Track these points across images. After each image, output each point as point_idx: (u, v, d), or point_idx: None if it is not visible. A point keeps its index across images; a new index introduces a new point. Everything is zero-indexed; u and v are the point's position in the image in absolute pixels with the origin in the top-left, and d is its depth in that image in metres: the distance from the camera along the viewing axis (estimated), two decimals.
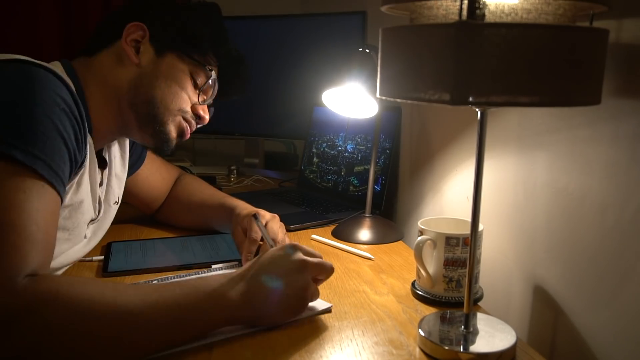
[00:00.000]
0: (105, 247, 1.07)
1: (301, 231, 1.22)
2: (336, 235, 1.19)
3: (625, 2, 0.68)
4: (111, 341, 0.64)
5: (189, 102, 0.99)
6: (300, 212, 1.34)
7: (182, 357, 0.69)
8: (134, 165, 1.16)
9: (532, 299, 0.88)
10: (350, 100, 1.24)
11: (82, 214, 0.91)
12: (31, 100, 0.73)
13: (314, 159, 1.60)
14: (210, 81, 1.00)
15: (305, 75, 1.70)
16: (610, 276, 0.72)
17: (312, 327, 0.78)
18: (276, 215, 1.06)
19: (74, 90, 0.82)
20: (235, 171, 1.82)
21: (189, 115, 0.99)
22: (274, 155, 2.01)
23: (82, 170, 0.85)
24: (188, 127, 1.00)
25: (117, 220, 1.17)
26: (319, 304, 0.84)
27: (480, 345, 0.71)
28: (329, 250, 1.11)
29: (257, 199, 1.46)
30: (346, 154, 1.49)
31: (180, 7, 1.00)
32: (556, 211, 0.82)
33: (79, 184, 0.87)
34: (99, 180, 0.96)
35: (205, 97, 1.01)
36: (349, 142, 1.49)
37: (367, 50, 1.16)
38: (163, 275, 0.95)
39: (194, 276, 0.95)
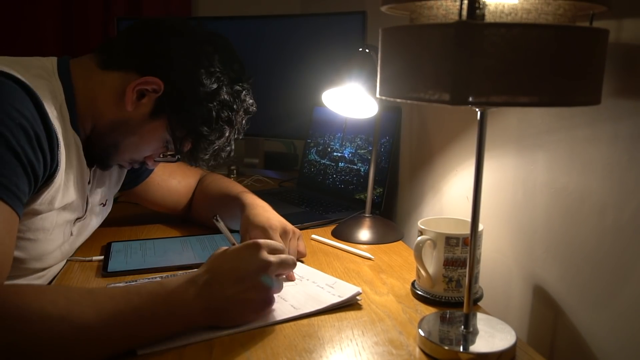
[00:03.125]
0: (105, 247, 1.07)
1: (301, 231, 1.22)
2: (336, 235, 1.19)
3: (625, 2, 0.68)
4: (62, 353, 0.63)
5: (145, 155, 0.97)
6: (300, 212, 1.34)
7: (182, 357, 0.69)
8: (144, 173, 1.16)
9: (531, 299, 0.88)
10: (350, 100, 1.24)
11: (71, 212, 0.91)
12: None
13: (314, 160, 1.60)
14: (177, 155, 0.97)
15: (305, 75, 1.70)
16: (610, 276, 0.72)
17: (312, 327, 0.78)
18: (296, 230, 1.03)
19: (47, 99, 0.81)
20: (235, 171, 1.82)
21: (137, 163, 0.99)
22: (274, 155, 2.01)
23: (57, 175, 0.83)
24: (130, 166, 1.01)
25: (117, 221, 1.18)
26: (347, 290, 0.86)
27: (480, 345, 0.71)
28: (329, 250, 1.11)
29: None
30: (346, 157, 1.49)
31: (212, 93, 0.93)
32: (556, 211, 0.82)
33: (66, 185, 0.86)
34: (87, 179, 0.95)
35: (164, 159, 0.99)
36: (348, 145, 1.49)
37: (367, 50, 1.16)
38: (163, 274, 0.95)
39: (155, 279, 0.92)
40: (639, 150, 0.68)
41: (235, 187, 1.21)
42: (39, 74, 0.84)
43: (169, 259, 1.02)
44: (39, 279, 0.92)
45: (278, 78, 1.76)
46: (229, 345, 0.72)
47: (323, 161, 1.58)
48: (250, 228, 1.01)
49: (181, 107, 0.92)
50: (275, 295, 0.85)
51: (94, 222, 1.04)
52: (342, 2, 1.81)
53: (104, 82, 0.91)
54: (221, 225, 0.93)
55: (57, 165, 0.82)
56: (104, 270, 0.96)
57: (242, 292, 0.74)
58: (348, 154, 1.49)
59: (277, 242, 0.82)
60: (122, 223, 1.23)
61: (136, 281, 0.91)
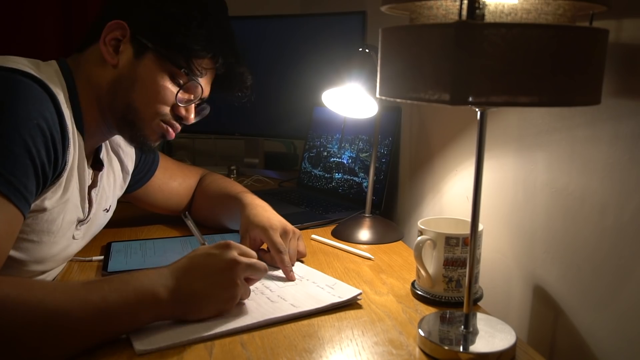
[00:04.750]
0: (105, 247, 1.07)
1: (301, 231, 1.21)
2: (336, 235, 1.19)
3: (625, 2, 0.68)
4: (37, 339, 0.65)
5: (168, 104, 0.94)
6: (300, 212, 1.34)
7: (181, 357, 0.69)
8: (144, 177, 1.15)
9: (531, 299, 0.88)
10: (350, 100, 1.24)
11: (67, 213, 0.90)
12: (3, 113, 0.73)
13: (314, 160, 1.60)
14: (191, 84, 0.95)
15: (305, 75, 1.70)
16: (610, 276, 0.72)
17: (312, 327, 0.78)
18: (296, 230, 1.03)
19: (61, 99, 0.82)
20: (235, 171, 1.82)
21: (168, 117, 0.95)
22: (274, 155, 2.02)
23: (64, 175, 0.84)
24: (170, 129, 0.97)
25: (116, 221, 1.18)
26: (347, 291, 0.86)
27: (480, 345, 0.71)
28: (329, 250, 1.11)
29: None
30: (345, 164, 1.49)
31: (170, 4, 0.92)
32: (556, 211, 0.82)
33: (66, 185, 0.86)
34: (89, 181, 0.95)
35: (189, 97, 0.96)
36: (347, 147, 1.49)
37: (367, 50, 1.16)
38: None
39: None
40: (639, 150, 0.68)
41: (235, 186, 1.21)
42: (49, 74, 0.85)
43: (169, 259, 1.01)
44: (41, 277, 0.92)
45: (278, 78, 1.76)
46: (229, 345, 0.72)
47: (315, 171, 1.57)
48: (250, 228, 1.01)
49: (153, 31, 0.91)
50: (276, 295, 0.86)
51: (95, 227, 1.04)
52: (342, 2, 1.81)
53: (88, 59, 0.92)
54: (189, 223, 0.96)
55: (65, 165, 0.83)
56: (104, 270, 0.96)
57: (207, 287, 0.76)
58: (347, 160, 1.49)
59: (249, 249, 0.83)
60: (122, 224, 1.23)
61: None
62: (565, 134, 0.80)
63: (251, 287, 0.84)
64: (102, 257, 1.02)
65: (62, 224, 0.89)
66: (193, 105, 0.97)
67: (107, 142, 1.03)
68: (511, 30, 0.54)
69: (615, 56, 0.69)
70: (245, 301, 0.83)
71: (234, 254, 0.79)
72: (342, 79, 1.15)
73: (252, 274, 0.81)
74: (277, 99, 1.77)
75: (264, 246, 1.02)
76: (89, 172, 0.95)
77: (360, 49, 1.16)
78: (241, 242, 1.03)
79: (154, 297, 0.73)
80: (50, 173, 0.80)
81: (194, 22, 0.92)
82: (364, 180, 1.41)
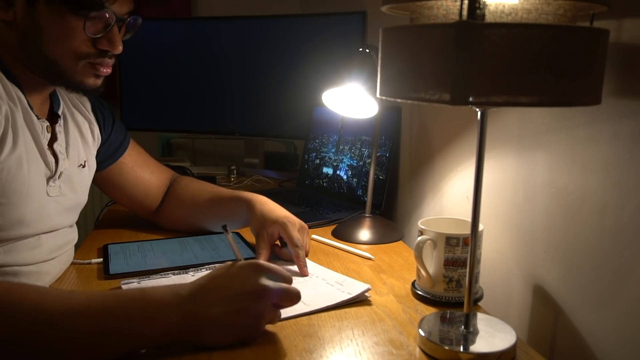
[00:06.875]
0: (102, 250, 1.06)
1: None
2: (336, 235, 1.19)
3: (625, 2, 0.68)
4: (32, 347, 0.61)
5: (85, 43, 0.87)
6: (300, 212, 1.34)
7: (182, 356, 0.69)
8: (115, 153, 1.12)
9: (532, 299, 0.88)
10: (351, 100, 1.24)
11: (31, 169, 0.86)
12: None
13: (314, 160, 1.60)
14: (95, 13, 0.85)
15: (305, 75, 1.70)
16: (610, 276, 0.72)
17: (312, 327, 0.78)
18: (304, 224, 1.04)
19: None
20: (235, 171, 1.82)
21: (94, 55, 0.88)
22: (274, 155, 2.02)
23: (1, 128, 0.80)
24: (101, 67, 0.90)
25: (112, 223, 1.17)
26: (356, 287, 0.87)
27: (480, 345, 0.71)
28: (329, 250, 1.11)
29: None
30: (345, 162, 1.49)
31: None
32: (556, 211, 0.82)
33: (14, 139, 0.83)
34: (46, 134, 0.91)
35: (102, 26, 0.87)
36: (347, 148, 1.49)
37: (367, 50, 1.16)
38: (167, 273, 0.94)
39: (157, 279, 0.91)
40: (639, 150, 0.68)
41: (222, 189, 1.19)
42: None
43: (171, 260, 1.01)
44: (34, 249, 0.90)
45: (278, 78, 1.76)
46: (229, 345, 0.72)
47: (315, 171, 1.57)
48: (267, 224, 1.00)
49: None
50: None
51: (75, 185, 1.00)
52: (342, 2, 1.81)
53: None
54: (230, 237, 0.81)
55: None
56: (105, 273, 0.95)
57: (227, 314, 0.68)
58: (347, 160, 1.49)
59: (281, 269, 0.75)
60: (116, 225, 1.23)
61: (149, 277, 0.91)
62: (566, 134, 0.80)
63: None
64: (101, 260, 1.02)
65: (27, 181, 0.86)
66: (114, 31, 0.89)
67: (65, 96, 1.00)
68: (512, 30, 0.54)
69: (615, 56, 0.69)
70: None
71: (264, 279, 0.71)
72: (342, 79, 1.16)
73: (283, 301, 0.72)
74: (278, 99, 1.77)
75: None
76: (41, 125, 0.91)
77: (361, 49, 1.16)
78: (257, 240, 1.02)
79: (162, 315, 0.66)
80: None
81: None
82: (364, 180, 1.41)
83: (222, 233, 1.16)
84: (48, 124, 0.93)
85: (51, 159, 0.92)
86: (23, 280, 0.88)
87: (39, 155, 0.90)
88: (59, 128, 0.97)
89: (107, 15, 0.88)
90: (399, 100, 0.62)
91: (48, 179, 0.92)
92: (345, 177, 1.48)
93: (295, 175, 1.75)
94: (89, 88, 0.92)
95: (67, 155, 0.97)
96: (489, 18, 0.58)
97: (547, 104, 0.58)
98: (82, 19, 0.85)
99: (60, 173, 0.94)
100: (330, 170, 1.53)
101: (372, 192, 1.22)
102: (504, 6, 0.58)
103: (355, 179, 1.44)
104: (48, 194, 0.92)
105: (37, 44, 0.86)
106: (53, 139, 0.94)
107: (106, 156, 1.11)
